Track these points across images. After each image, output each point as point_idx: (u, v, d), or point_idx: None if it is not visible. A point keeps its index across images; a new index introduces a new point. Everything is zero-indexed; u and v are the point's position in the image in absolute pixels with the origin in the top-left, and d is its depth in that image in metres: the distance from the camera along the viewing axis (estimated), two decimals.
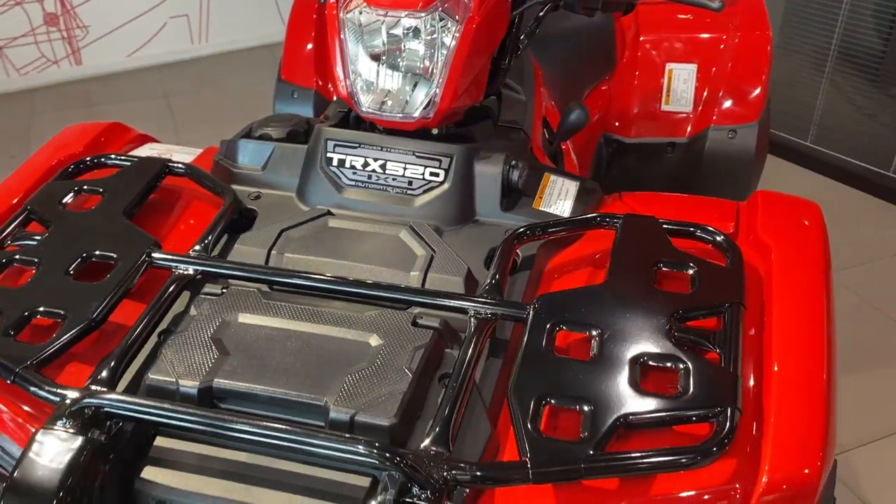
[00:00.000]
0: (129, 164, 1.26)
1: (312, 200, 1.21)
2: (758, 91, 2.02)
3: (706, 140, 2.02)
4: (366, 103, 1.18)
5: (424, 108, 1.16)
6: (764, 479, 0.83)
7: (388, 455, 0.78)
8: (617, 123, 2.08)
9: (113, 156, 1.27)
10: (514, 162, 1.19)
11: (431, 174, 1.18)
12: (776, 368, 0.93)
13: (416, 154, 1.18)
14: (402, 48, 1.16)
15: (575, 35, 1.97)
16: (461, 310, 0.99)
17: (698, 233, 1.09)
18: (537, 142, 1.36)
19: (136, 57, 4.34)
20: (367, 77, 1.18)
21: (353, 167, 1.20)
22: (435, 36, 1.15)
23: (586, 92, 2.01)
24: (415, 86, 1.18)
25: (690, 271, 1.03)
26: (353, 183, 1.20)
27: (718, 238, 1.08)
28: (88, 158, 1.26)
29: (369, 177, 1.20)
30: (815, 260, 1.07)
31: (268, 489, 0.87)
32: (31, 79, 4.19)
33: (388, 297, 1.01)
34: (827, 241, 1.14)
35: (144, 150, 1.42)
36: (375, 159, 1.19)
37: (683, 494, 0.84)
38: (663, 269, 1.04)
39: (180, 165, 1.26)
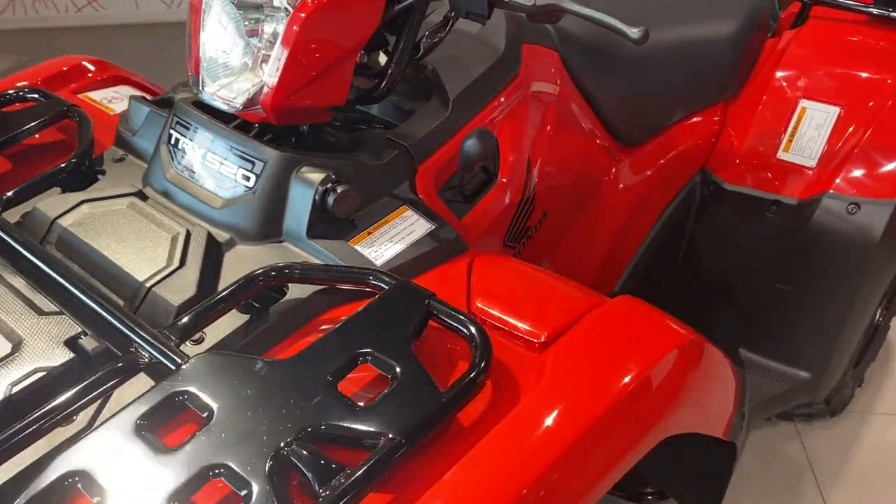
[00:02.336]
0: (43, 101, 1.28)
1: (149, 177, 1.12)
2: None
3: (817, 208, 1.54)
4: (204, 85, 1.05)
5: (251, 99, 1.01)
6: None
7: None
8: (722, 161, 1.67)
9: (22, 91, 1.29)
10: (331, 185, 0.99)
11: (243, 177, 1.03)
12: None
13: (234, 151, 1.04)
14: (255, 29, 1.01)
15: (677, 49, 1.58)
16: (128, 340, 0.85)
17: (453, 323, 0.82)
18: (435, 165, 1.12)
19: None
20: (213, 55, 1.05)
21: (183, 150, 1.09)
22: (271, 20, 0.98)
23: (676, 116, 1.63)
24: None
25: (393, 373, 0.78)
26: (178, 168, 1.09)
27: (472, 333, 0.80)
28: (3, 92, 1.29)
29: (191, 165, 1.07)
30: (579, 412, 0.75)
31: None
32: None
33: (78, 301, 0.90)
34: (660, 397, 0.80)
35: (106, 92, 1.43)
36: (200, 147, 1.07)
37: None
38: (369, 361, 0.80)
39: (75, 112, 1.24)
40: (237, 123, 1.09)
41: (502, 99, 1.23)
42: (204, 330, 0.89)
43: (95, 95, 1.40)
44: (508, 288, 0.95)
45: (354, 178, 1.02)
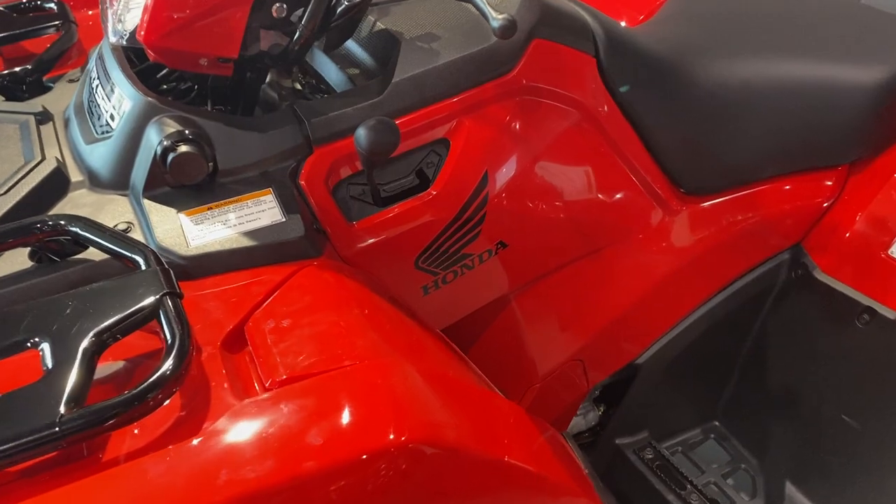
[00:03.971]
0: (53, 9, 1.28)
1: (70, 103, 1.06)
2: None
3: None
4: (118, 15, 0.97)
5: (132, 35, 0.91)
6: None
7: None
8: (822, 242, 1.30)
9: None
10: (173, 143, 0.85)
11: (110, 116, 0.93)
12: None
13: (113, 88, 0.94)
14: None
15: (783, 89, 1.24)
16: None
17: (167, 332, 0.67)
18: (338, 152, 0.94)
19: None
20: None
21: (90, 84, 1.01)
22: None
23: (768, 172, 1.28)
24: None
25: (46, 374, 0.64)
26: (82, 98, 1.02)
27: (172, 348, 0.64)
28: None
29: (88, 96, 1.00)
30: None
31: None
32: None
33: None
34: None
35: None
36: (96, 79, 0.98)
37: None
38: (31, 348, 0.67)
39: (67, 27, 1.23)
40: (145, 66, 0.99)
41: (474, 96, 1.01)
42: None
43: None
44: (302, 313, 0.76)
45: (219, 143, 0.88)
